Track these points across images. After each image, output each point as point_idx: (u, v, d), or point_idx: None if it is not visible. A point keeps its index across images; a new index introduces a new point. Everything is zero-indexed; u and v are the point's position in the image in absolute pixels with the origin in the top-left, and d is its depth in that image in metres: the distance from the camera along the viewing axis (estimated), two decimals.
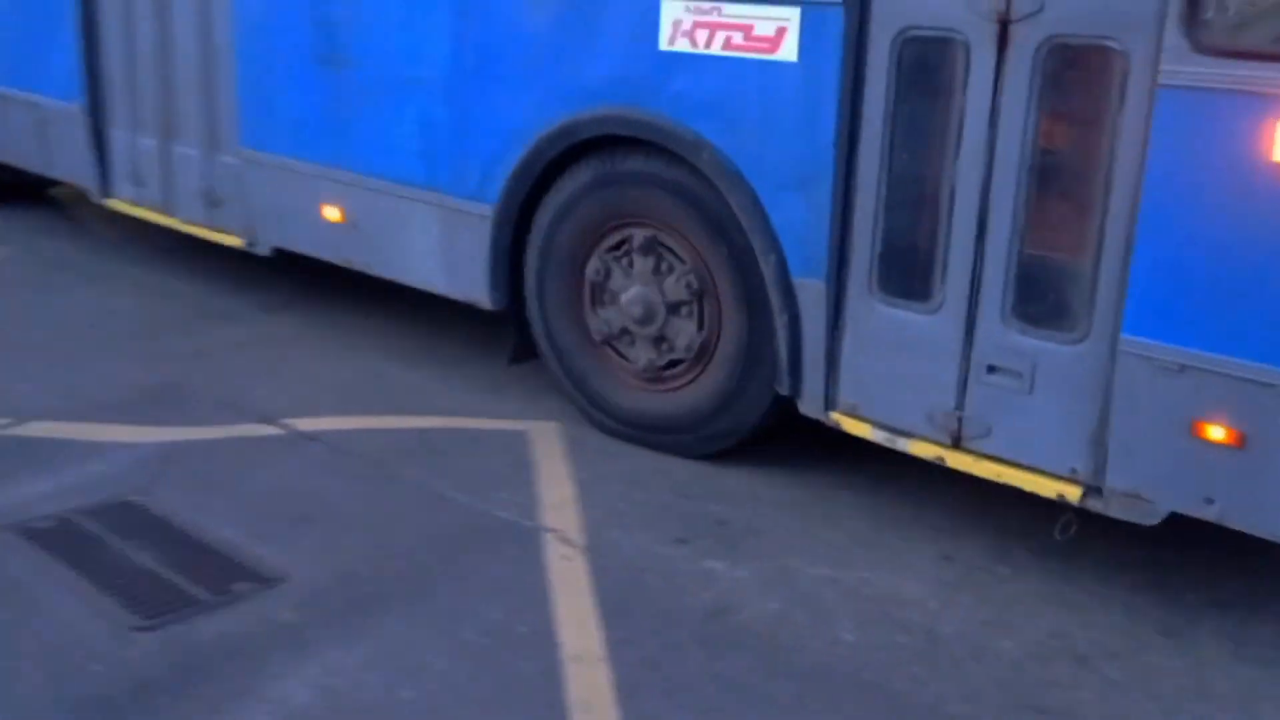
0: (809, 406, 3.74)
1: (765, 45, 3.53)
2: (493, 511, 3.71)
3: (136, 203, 6.06)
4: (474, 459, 4.09)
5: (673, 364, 4.08)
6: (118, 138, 6.05)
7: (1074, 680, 2.94)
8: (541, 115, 4.10)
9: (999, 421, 3.31)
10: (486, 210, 4.35)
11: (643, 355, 4.12)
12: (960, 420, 3.39)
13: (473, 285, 4.52)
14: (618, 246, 4.11)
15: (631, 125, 3.88)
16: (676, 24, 3.71)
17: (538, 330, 4.40)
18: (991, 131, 3.17)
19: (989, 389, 3.31)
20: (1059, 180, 3.16)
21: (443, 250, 4.59)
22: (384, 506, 3.73)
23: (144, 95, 5.81)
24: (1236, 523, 2.97)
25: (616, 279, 4.14)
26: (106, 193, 6.21)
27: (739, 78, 3.61)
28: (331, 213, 4.99)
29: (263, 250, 5.42)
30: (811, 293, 3.61)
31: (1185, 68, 2.82)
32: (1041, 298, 3.21)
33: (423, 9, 4.45)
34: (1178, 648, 3.09)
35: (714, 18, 3.63)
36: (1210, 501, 2.98)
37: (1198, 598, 3.32)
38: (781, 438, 4.21)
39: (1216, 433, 2.93)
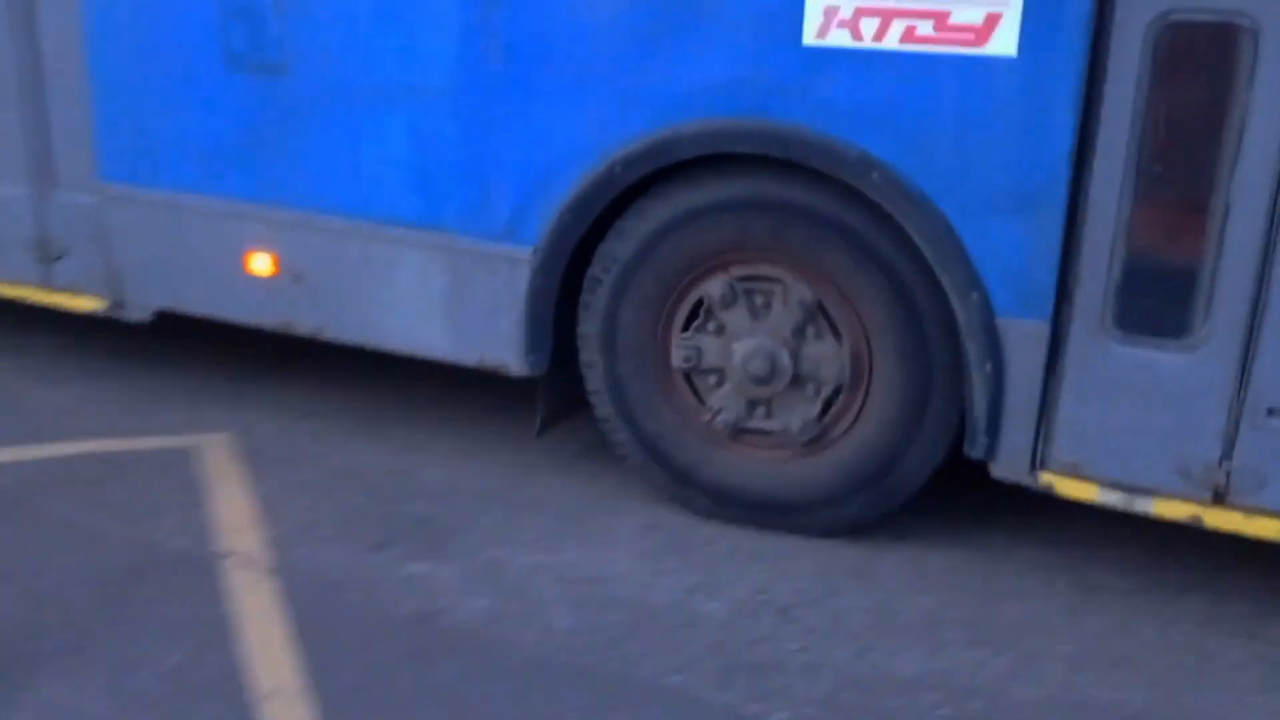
0: (1007, 469, 3.22)
1: (968, 37, 2.95)
2: (161, 542, 3.34)
3: None
4: (134, 485, 3.67)
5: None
6: None
7: (778, 633, 3.03)
8: (614, 131, 3.35)
9: (1278, 471, 2.96)
10: (522, 253, 3.55)
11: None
12: (1228, 473, 2.99)
13: (496, 347, 3.67)
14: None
15: (761, 141, 3.18)
16: (830, 12, 3.06)
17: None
18: None
19: (1268, 435, 2.92)
20: None
21: (448, 305, 3.72)
22: (27, 551, 3.27)
23: None
24: None
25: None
26: None
27: (927, 79, 3.01)
28: (261, 263, 3.95)
29: (137, 315, 4.28)
30: (1025, 334, 3.08)
31: None
32: None
33: None
34: (866, 587, 3.26)
35: (887, 3, 3.00)
36: None
37: (882, 534, 3.53)
38: (483, 423, 4.09)
39: None
